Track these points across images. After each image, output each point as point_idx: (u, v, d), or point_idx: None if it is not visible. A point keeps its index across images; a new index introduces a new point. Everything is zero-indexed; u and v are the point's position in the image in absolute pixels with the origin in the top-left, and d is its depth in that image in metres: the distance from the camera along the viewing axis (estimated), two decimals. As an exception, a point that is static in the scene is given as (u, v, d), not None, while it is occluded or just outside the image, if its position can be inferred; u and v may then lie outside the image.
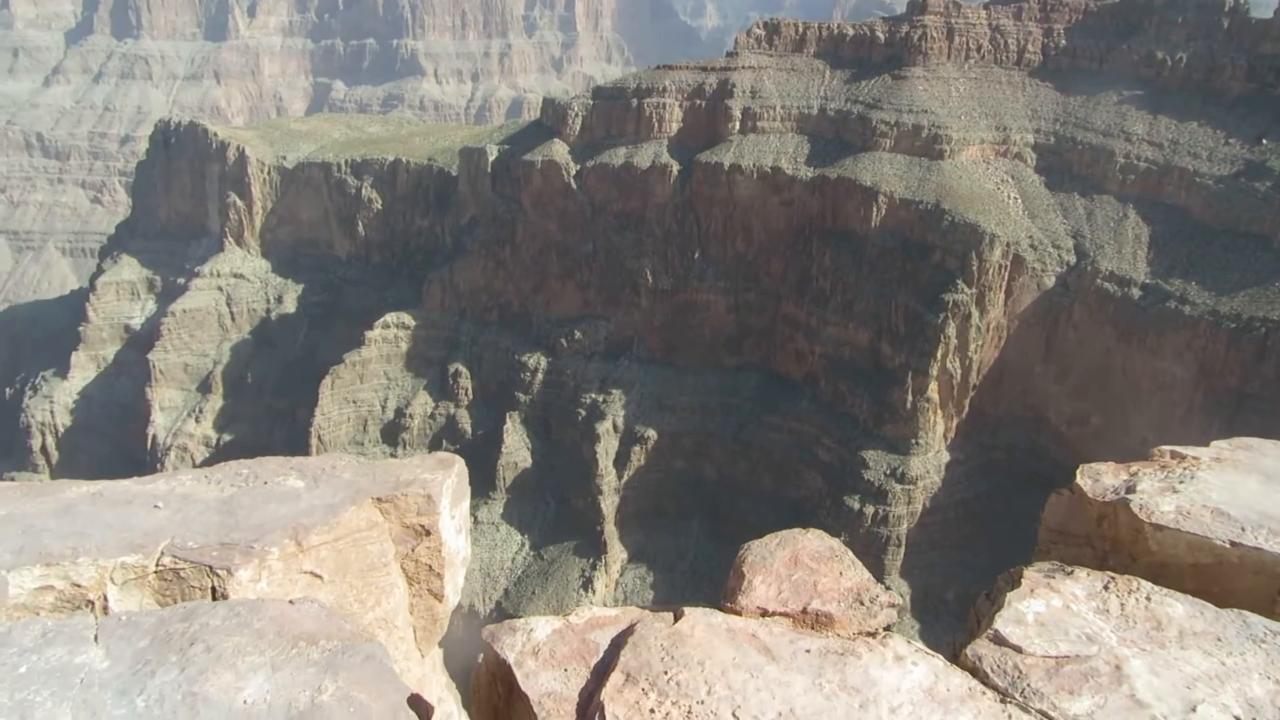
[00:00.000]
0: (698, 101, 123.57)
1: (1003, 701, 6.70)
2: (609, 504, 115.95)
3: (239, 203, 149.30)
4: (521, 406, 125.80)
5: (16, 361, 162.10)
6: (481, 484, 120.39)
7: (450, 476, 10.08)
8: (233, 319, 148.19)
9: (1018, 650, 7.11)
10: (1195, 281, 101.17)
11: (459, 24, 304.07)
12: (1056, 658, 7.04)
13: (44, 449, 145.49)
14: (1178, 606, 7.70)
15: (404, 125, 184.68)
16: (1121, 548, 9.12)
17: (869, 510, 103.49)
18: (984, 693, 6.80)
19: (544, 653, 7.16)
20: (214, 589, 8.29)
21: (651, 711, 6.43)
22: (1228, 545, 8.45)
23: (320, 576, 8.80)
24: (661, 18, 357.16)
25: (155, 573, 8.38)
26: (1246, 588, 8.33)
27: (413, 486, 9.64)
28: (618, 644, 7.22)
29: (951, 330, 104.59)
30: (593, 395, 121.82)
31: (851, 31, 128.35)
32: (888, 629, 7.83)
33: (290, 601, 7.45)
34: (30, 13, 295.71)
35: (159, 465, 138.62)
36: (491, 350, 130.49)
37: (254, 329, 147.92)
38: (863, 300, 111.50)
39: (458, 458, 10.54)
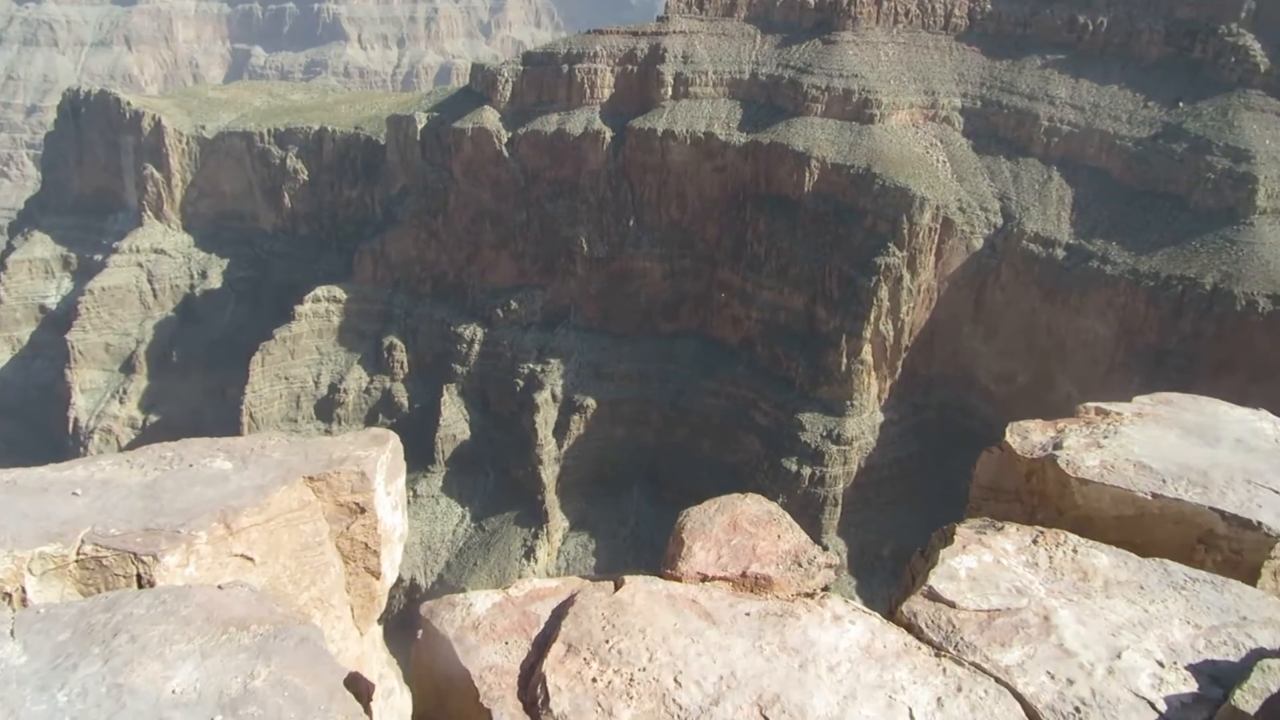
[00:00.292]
0: (629, 67, 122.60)
1: (937, 655, 6.84)
2: (549, 473, 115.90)
3: (156, 175, 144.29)
4: (458, 378, 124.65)
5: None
6: (420, 457, 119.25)
7: (384, 452, 9.89)
8: (155, 296, 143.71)
9: (951, 605, 7.26)
10: (1116, 241, 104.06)
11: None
12: (988, 611, 7.20)
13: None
14: (1103, 557, 7.93)
15: (328, 93, 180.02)
16: (1049, 502, 9.36)
17: (806, 472, 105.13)
18: (919, 648, 6.93)
19: (484, 626, 7.10)
20: (139, 576, 8.02)
21: (594, 681, 6.43)
22: (1149, 497, 8.72)
23: (251, 559, 8.58)
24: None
25: (76, 561, 8.07)
26: (1167, 537, 8.62)
27: (346, 464, 9.43)
28: (558, 615, 7.19)
29: (884, 293, 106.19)
30: (530, 365, 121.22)
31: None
32: (825, 589, 7.93)
33: (219, 586, 7.24)
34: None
35: (82, 449, 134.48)
36: (426, 322, 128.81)
37: (177, 306, 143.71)
38: (797, 265, 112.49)
39: (391, 433, 10.35)
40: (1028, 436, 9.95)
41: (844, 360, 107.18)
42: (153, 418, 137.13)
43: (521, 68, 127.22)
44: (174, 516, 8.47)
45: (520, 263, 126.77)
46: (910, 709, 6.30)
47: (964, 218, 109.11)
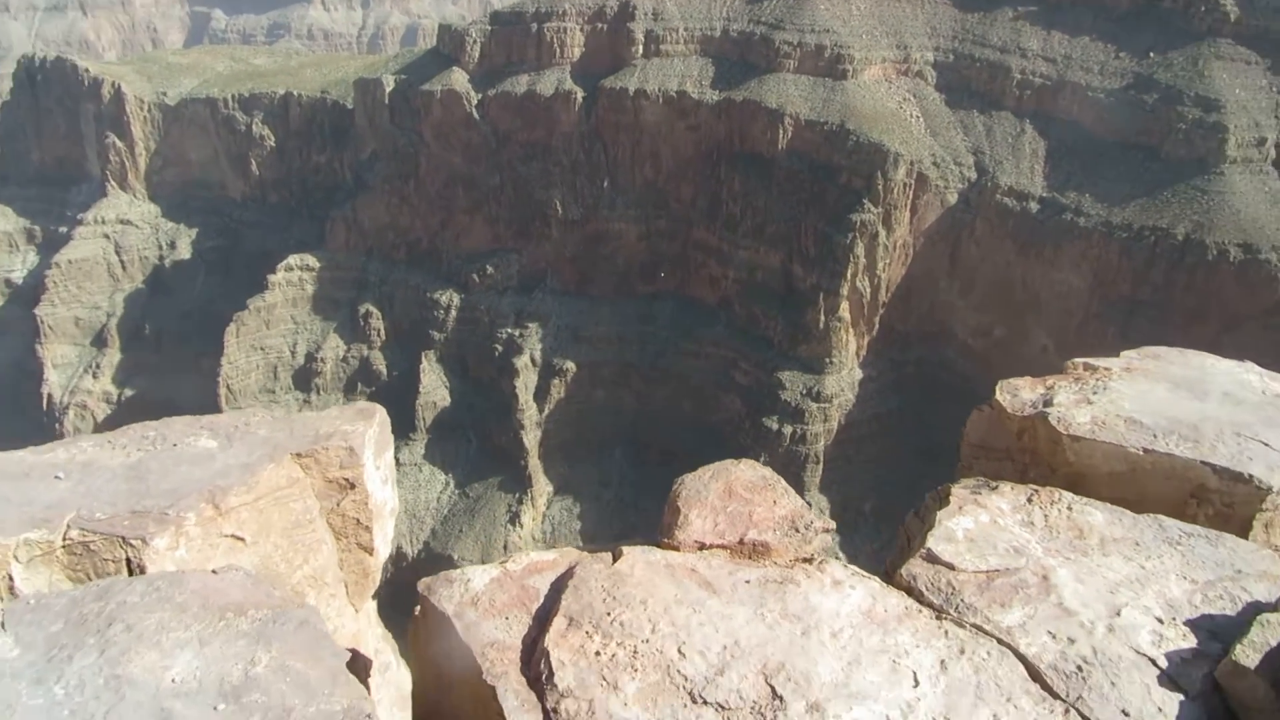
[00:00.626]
0: (599, 25, 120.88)
1: (938, 618, 6.86)
2: (531, 438, 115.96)
3: (119, 144, 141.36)
4: (436, 345, 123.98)
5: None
6: (401, 425, 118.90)
7: (372, 426, 9.77)
8: (123, 268, 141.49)
9: (950, 567, 7.28)
10: (1089, 193, 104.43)
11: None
12: (987, 572, 7.23)
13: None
14: (1097, 514, 7.97)
15: (293, 56, 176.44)
16: (1041, 460, 9.39)
17: (787, 430, 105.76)
18: (920, 611, 6.95)
19: (483, 602, 7.05)
20: (128, 560, 7.89)
21: (597, 654, 6.40)
22: (1141, 452, 8.76)
23: (242, 539, 8.47)
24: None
25: (63, 547, 7.93)
26: (1159, 492, 8.68)
27: (333, 439, 9.31)
28: (558, 588, 7.15)
29: (860, 250, 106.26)
30: (508, 330, 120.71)
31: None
32: (823, 553, 7.93)
33: (213, 571, 7.13)
34: None
35: (57, 425, 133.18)
36: (402, 289, 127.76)
37: (147, 278, 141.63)
38: (773, 223, 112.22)
39: (379, 407, 10.22)
40: (1018, 394, 9.95)
41: (822, 318, 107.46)
42: (128, 392, 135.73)
43: (490, 27, 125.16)
44: (161, 498, 8.34)
45: (495, 227, 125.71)
46: (914, 673, 6.31)
47: (938, 172, 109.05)
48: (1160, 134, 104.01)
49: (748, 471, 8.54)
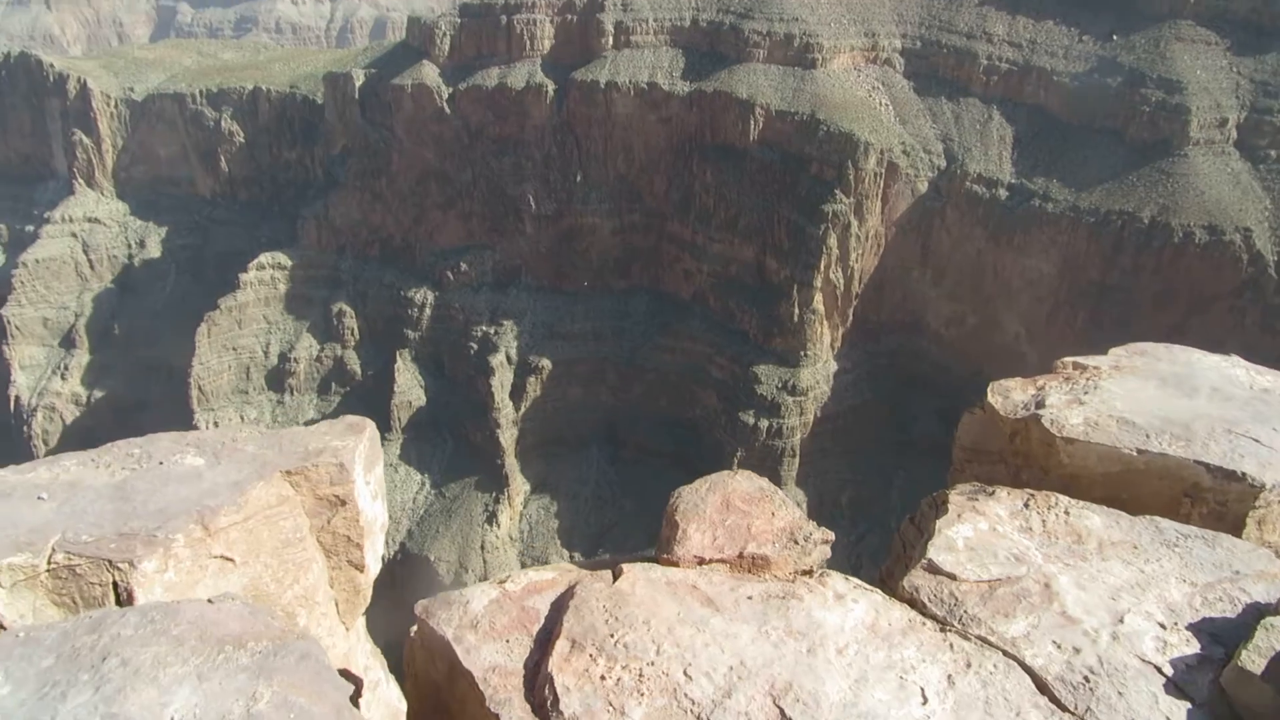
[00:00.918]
0: (569, 17, 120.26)
1: (942, 630, 6.83)
2: (508, 436, 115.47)
3: (86, 141, 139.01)
4: (411, 343, 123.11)
5: None
6: (376, 425, 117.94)
7: (362, 441, 9.63)
8: (92, 267, 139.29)
9: (952, 577, 7.25)
10: (1057, 179, 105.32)
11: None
12: (989, 581, 7.21)
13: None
14: (1094, 518, 7.98)
15: (261, 50, 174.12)
16: (1034, 462, 9.40)
17: (763, 424, 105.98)
18: (924, 623, 6.92)
19: (483, 625, 6.94)
20: (116, 584, 7.72)
21: (602, 678, 6.31)
22: (1135, 453, 8.78)
23: (232, 559, 8.31)
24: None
25: (48, 571, 7.75)
26: (1153, 492, 8.71)
27: (323, 456, 9.16)
28: (558, 609, 7.05)
29: (833, 241, 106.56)
30: (483, 327, 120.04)
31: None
32: (822, 565, 7.89)
33: (209, 600, 6.97)
34: None
35: (26, 428, 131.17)
36: (375, 287, 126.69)
37: (116, 277, 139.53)
38: (746, 216, 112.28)
39: (368, 421, 10.08)
40: (1009, 396, 9.96)
41: (796, 310, 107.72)
42: (97, 393, 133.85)
43: (459, 20, 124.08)
44: (148, 519, 8.16)
45: (468, 223, 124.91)
46: (922, 689, 6.28)
47: (908, 161, 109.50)
48: (1125, 117, 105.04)
49: (744, 483, 8.48)
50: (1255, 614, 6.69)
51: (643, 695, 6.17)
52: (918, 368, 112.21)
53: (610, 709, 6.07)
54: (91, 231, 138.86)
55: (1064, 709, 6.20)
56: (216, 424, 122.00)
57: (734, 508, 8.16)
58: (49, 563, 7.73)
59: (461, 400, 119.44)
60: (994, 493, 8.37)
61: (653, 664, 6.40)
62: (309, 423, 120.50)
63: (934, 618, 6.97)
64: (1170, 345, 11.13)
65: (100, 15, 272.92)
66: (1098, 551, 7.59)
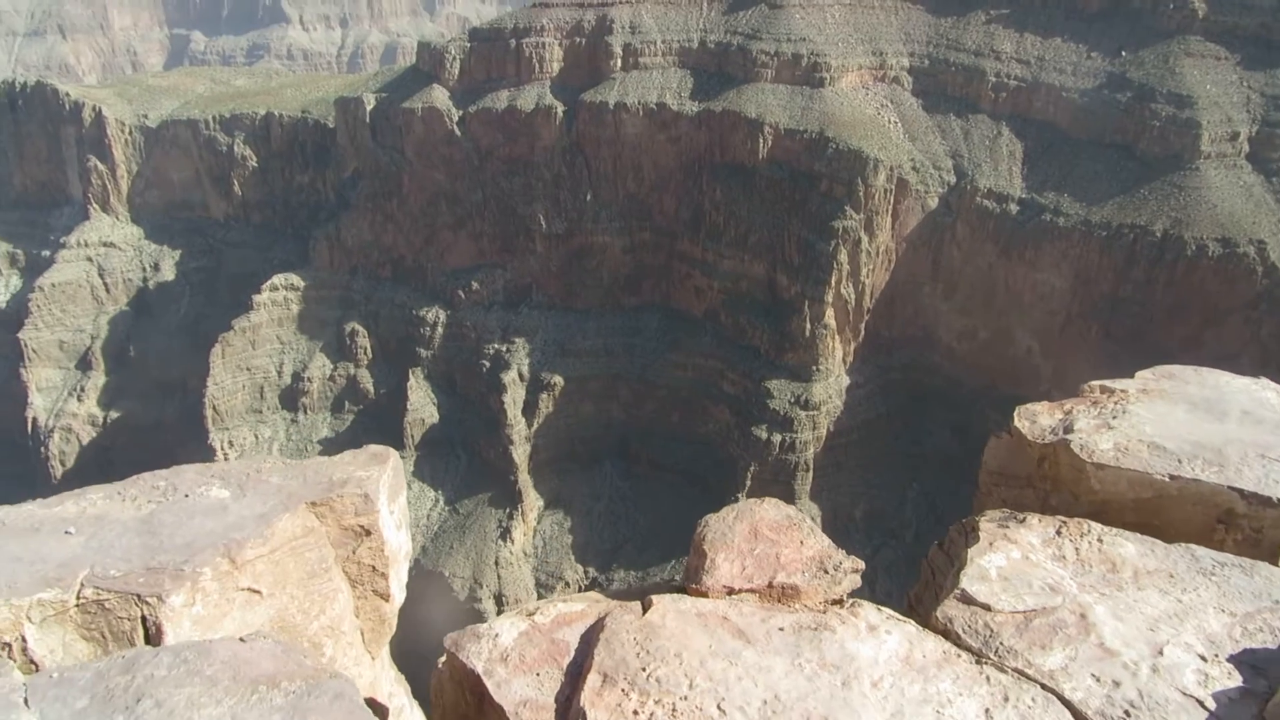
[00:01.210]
0: (577, 39, 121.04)
1: (978, 663, 6.75)
2: (521, 453, 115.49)
3: (101, 167, 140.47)
4: (424, 362, 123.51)
5: None
6: (389, 443, 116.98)
7: (386, 471, 9.62)
8: (107, 290, 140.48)
9: (986, 608, 7.17)
10: (1067, 193, 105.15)
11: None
12: (1024, 612, 7.12)
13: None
14: (1129, 546, 7.88)
15: (273, 77, 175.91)
16: (1063, 487, 9.30)
17: (776, 439, 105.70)
18: (959, 655, 6.84)
19: (513, 658, 6.89)
20: (144, 618, 7.71)
21: (635, 713, 6.25)
22: (1167, 479, 8.68)
23: (259, 592, 8.30)
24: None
25: (77, 606, 7.76)
26: (1186, 518, 8.61)
27: (348, 486, 9.15)
28: (588, 641, 7.00)
29: (843, 256, 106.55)
30: (495, 345, 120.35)
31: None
32: (852, 594, 7.82)
33: (241, 639, 6.95)
34: None
35: (43, 449, 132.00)
36: (387, 306, 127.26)
37: (131, 300, 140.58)
38: (756, 233, 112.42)
39: (391, 450, 10.07)
40: (1036, 420, 9.88)
41: (808, 325, 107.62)
42: (113, 414, 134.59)
43: (469, 44, 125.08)
44: (176, 553, 8.17)
45: (479, 242, 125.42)
46: (960, 723, 6.20)
47: (918, 177, 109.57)
48: (1135, 132, 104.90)
49: (771, 511, 8.42)
50: (1296, 644, 6.59)
51: (678, 732, 6.11)
52: (930, 382, 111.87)
53: (645, 746, 6.01)
54: (107, 255, 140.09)
55: (1106, 744, 6.11)
56: (231, 443, 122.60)
57: (762, 536, 8.10)
58: (78, 598, 7.74)
59: (474, 417, 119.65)
60: (1025, 519, 8.29)
61: (686, 698, 6.34)
62: (323, 441, 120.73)
63: (969, 649, 6.88)
64: (1198, 368, 11.03)
65: (115, 45, 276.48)
66: (1133, 580, 7.49)
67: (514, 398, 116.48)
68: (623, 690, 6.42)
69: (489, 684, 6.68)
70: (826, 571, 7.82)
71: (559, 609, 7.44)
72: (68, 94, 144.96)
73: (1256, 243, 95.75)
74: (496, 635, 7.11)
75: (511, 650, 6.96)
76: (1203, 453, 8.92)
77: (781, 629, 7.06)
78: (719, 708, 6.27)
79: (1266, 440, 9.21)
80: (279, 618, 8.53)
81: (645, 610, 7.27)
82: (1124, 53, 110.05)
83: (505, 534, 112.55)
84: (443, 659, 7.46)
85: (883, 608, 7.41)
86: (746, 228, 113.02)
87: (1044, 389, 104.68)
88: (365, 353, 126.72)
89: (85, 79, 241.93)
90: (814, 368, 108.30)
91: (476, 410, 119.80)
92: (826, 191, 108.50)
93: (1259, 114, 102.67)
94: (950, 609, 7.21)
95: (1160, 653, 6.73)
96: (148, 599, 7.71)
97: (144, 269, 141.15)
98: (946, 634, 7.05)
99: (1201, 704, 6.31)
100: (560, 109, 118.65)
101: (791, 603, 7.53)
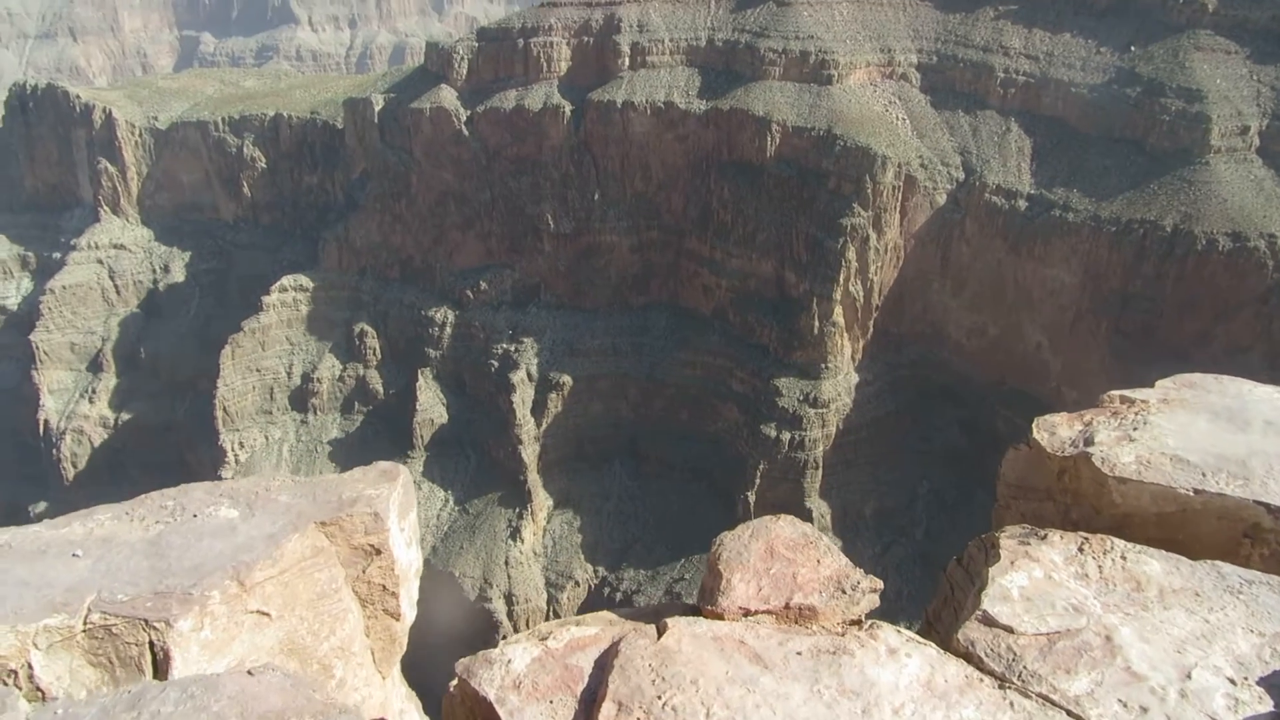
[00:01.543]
0: (585, 39, 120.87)
1: (1002, 687, 6.59)
2: (530, 453, 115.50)
3: (111, 169, 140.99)
4: (433, 362, 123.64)
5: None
6: (399, 443, 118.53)
7: (395, 489, 9.51)
8: (118, 292, 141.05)
9: (1009, 630, 7.01)
10: (1076, 189, 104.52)
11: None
12: (1048, 634, 6.96)
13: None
14: (1154, 564, 7.71)
15: (282, 78, 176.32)
16: (1084, 500, 9.13)
17: (785, 436, 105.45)
18: (981, 680, 6.69)
19: (526, 685, 6.77)
20: (152, 644, 7.62)
21: (652, 744, 6.13)
22: (1191, 493, 8.50)
23: (268, 614, 8.20)
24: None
25: (84, 632, 7.66)
26: (1211, 534, 8.43)
27: (358, 505, 9.04)
28: (602, 666, 6.87)
29: (851, 254, 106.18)
30: (504, 345, 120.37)
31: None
32: (870, 615, 7.68)
33: (249, 672, 6.83)
34: None
35: (55, 450, 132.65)
36: (396, 307, 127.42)
37: (141, 302, 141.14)
38: (764, 231, 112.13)
39: (401, 467, 9.95)
40: (1055, 432, 9.70)
41: (816, 323, 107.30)
42: (124, 416, 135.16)
43: (477, 44, 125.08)
44: (184, 576, 8.07)
45: (487, 242, 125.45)
46: (985, 753, 6.06)
47: (926, 174, 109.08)
48: (1144, 127, 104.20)
49: (788, 529, 8.28)
50: (1328, 667, 6.42)
51: (695, 764, 5.98)
52: (939, 378, 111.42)
53: (662, 779, 5.89)
54: (117, 257, 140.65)
55: (1135, 775, 5.96)
56: (241, 444, 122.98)
57: (778, 555, 7.96)
58: (85, 623, 7.65)
59: (483, 417, 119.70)
60: (1046, 535, 8.12)
61: (703, 729, 6.21)
62: (333, 441, 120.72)
63: (992, 674, 6.73)
64: (1219, 376, 10.83)
65: (125, 47, 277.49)
66: (1159, 600, 7.33)
67: (523, 397, 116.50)
68: (639, 719, 6.30)
69: (502, 712, 6.57)
70: (844, 591, 7.67)
71: (572, 633, 7.32)
72: (78, 96, 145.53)
73: (1267, 237, 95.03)
74: (509, 661, 6.99)
75: (524, 677, 6.84)
76: (1227, 465, 8.74)
77: (799, 653, 6.91)
78: (737, 737, 6.14)
79: (1291, 452, 9.02)
80: (288, 640, 8.42)
81: (660, 633, 7.14)
82: (1133, 47, 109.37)
83: (515, 534, 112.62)
84: (454, 682, 7.34)
85: (902, 629, 7.26)
86: (754, 226, 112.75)
87: (1054, 385, 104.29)
88: (374, 353, 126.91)
89: (95, 81, 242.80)
90: (823, 365, 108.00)
91: (485, 410, 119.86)
92: (835, 189, 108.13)
93: (1269, 108, 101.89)
94: (972, 631, 7.06)
95: (1188, 676, 6.57)
96: (155, 624, 7.61)
97: (154, 271, 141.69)
98: (968, 657, 6.90)
99: (1232, 731, 6.16)
100: (568, 108, 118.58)
101: (809, 624, 7.39)
